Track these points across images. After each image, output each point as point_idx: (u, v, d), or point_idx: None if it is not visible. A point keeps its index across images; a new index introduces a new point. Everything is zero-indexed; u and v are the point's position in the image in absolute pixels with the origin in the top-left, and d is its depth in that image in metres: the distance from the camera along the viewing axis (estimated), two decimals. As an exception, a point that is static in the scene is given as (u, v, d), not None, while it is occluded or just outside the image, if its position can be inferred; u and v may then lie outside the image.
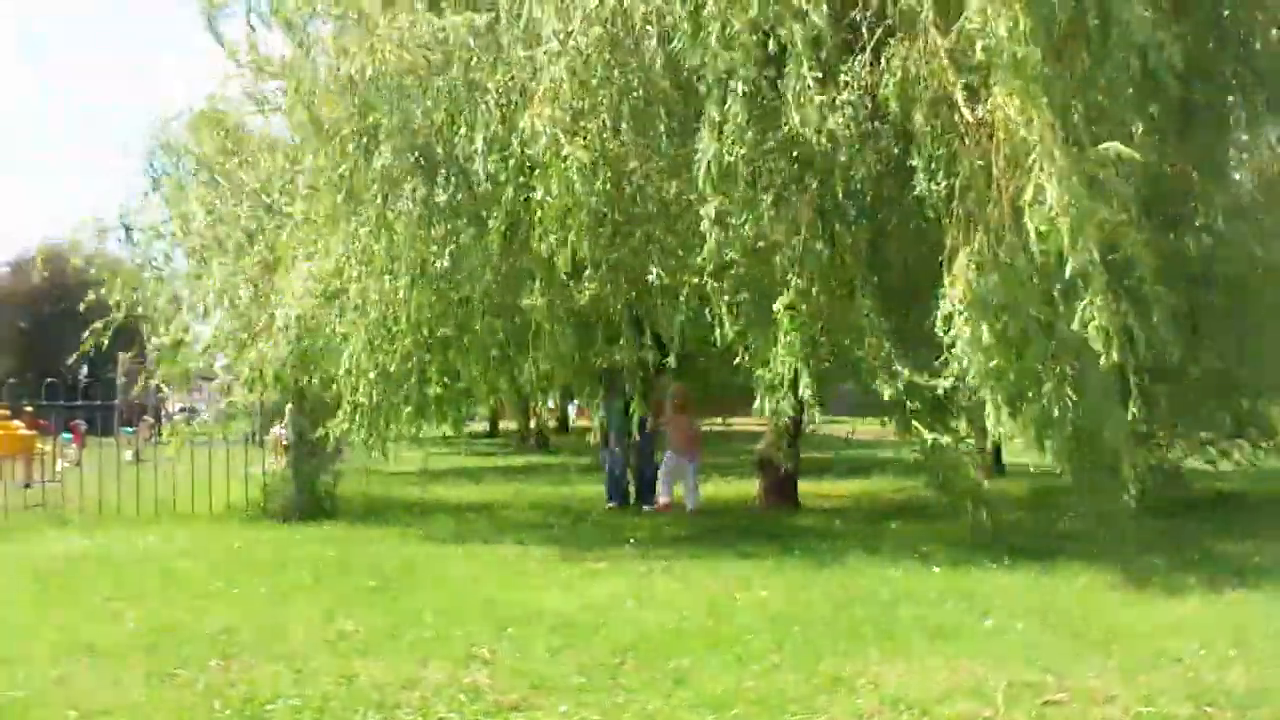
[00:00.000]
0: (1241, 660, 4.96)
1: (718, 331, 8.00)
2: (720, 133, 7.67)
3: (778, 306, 7.85)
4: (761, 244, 8.12)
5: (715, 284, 7.99)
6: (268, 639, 5.69)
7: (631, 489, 12.28)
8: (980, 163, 7.16)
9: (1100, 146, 6.69)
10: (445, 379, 9.47)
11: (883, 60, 7.61)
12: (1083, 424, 7.31)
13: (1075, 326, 6.57)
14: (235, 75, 12.29)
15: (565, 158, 7.69)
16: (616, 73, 8.17)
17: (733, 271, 8.12)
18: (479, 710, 4.40)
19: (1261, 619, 5.84)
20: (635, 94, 8.26)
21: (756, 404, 8.27)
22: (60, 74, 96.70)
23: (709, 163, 7.64)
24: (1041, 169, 6.48)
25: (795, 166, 8.11)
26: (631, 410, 10.33)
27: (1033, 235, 6.54)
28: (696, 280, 8.28)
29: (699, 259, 7.93)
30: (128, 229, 13.00)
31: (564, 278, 8.56)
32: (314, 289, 9.54)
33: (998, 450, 13.54)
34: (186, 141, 13.01)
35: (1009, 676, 4.72)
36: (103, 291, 12.67)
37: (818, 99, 7.47)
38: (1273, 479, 11.09)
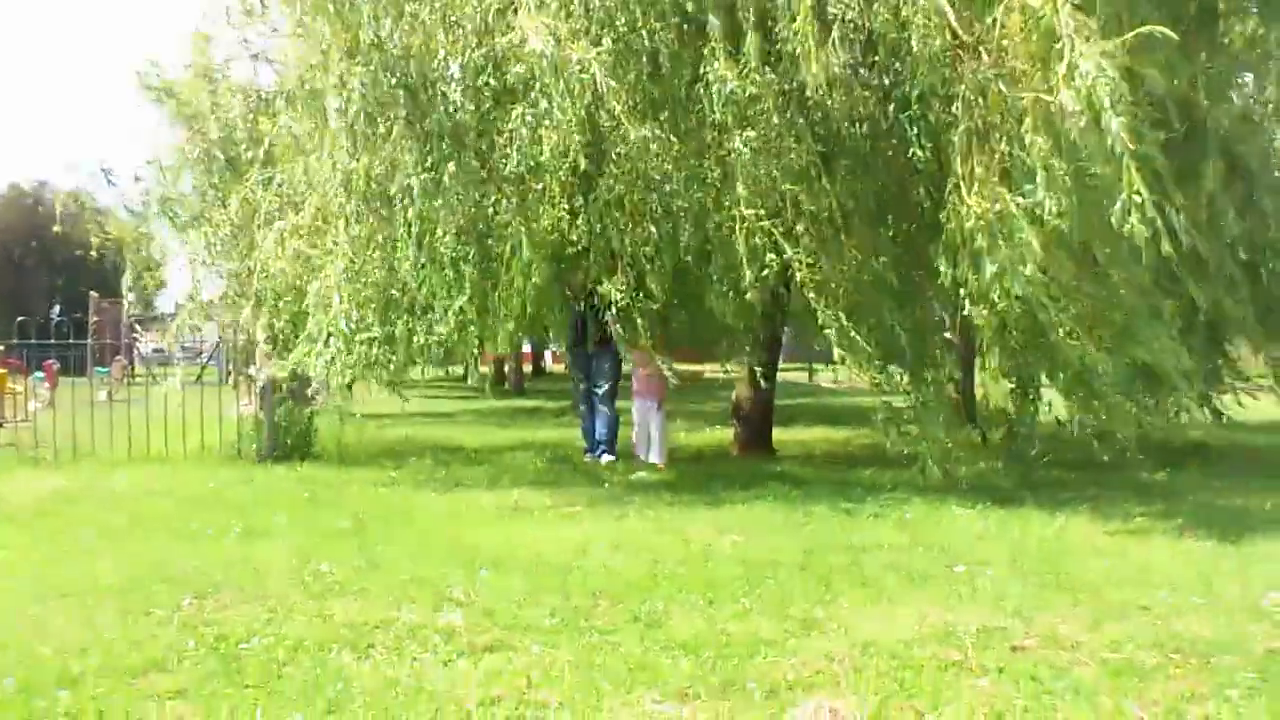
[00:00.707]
0: (1209, 609, 5.02)
1: (774, 258, 7.93)
2: (736, 63, 7.67)
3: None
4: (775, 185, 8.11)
5: (756, 214, 7.92)
6: (242, 579, 5.69)
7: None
8: (992, 73, 7.07)
9: (1135, 31, 6.59)
10: (421, 312, 9.26)
11: None
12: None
13: (1115, 221, 6.46)
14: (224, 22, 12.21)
15: (578, 63, 7.54)
16: (596, 2, 8.10)
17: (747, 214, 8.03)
18: (453, 651, 4.41)
19: (1231, 568, 5.91)
20: (619, 22, 8.16)
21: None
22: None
23: (729, 94, 7.61)
24: (1073, 48, 6.38)
25: (791, 108, 8.07)
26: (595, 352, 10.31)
27: (1072, 111, 6.37)
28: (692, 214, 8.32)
29: (740, 193, 7.91)
30: (106, 173, 12.92)
31: (542, 204, 8.48)
32: (293, 243, 9.44)
33: (971, 399, 13.61)
34: (173, 87, 12.85)
35: (978, 622, 4.77)
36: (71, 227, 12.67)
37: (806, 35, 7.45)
38: (1246, 429, 11.18)
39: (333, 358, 8.76)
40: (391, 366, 9.22)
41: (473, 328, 8.99)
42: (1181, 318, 8.41)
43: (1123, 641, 4.47)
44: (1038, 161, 6.66)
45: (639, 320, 8.93)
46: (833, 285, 8.20)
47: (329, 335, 8.69)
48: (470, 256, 8.66)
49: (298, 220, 9.42)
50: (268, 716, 3.69)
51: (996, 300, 7.14)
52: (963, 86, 7.21)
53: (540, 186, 8.40)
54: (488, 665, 4.23)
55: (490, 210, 8.57)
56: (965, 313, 7.92)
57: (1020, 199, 6.85)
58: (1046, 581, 5.62)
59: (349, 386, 9.70)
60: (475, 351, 9.52)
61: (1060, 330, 7.27)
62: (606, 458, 11.05)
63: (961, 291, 7.58)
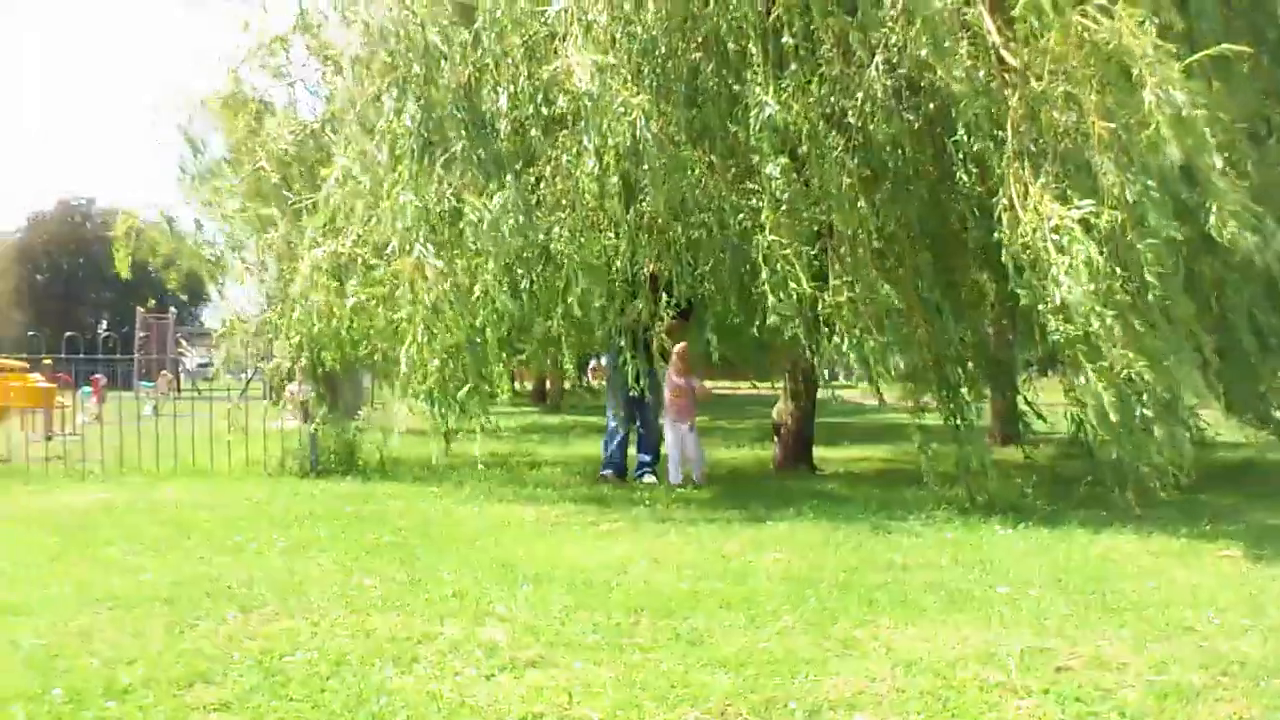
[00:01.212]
0: (1257, 630, 4.96)
1: (795, 287, 7.92)
2: (778, 89, 7.71)
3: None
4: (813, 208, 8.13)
5: (782, 241, 7.93)
6: (285, 592, 5.74)
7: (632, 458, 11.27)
8: (1039, 93, 7.04)
9: (1208, 51, 6.55)
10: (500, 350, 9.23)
11: (911, 11, 7.56)
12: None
13: (1214, 232, 6.39)
14: (258, 50, 12.35)
15: (622, 104, 7.59)
16: (639, 29, 8.14)
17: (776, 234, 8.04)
18: (495, 666, 4.43)
19: (1278, 588, 5.84)
20: (659, 51, 8.21)
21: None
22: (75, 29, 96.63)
23: (768, 118, 7.65)
24: (1153, 72, 6.34)
25: (830, 134, 8.08)
26: (633, 371, 10.25)
27: (1167, 135, 6.30)
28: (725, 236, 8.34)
29: (767, 218, 7.95)
30: (170, 221, 13.14)
31: (594, 229, 8.51)
32: (325, 271, 9.49)
33: (1013, 418, 13.53)
34: (213, 123, 12.99)
35: (1021, 643, 4.73)
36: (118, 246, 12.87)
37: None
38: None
39: (439, 416, 8.88)
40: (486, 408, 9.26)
41: (548, 352, 9.02)
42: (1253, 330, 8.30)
43: (1169, 663, 4.43)
44: (1135, 184, 6.62)
45: (667, 343, 8.95)
46: (860, 307, 8.20)
47: (430, 395, 8.75)
48: (536, 286, 8.69)
49: (337, 246, 9.46)
50: (312, 730, 3.72)
51: (1078, 314, 7.02)
52: (1010, 110, 7.18)
53: (585, 215, 8.44)
54: (530, 681, 4.25)
55: (541, 237, 8.59)
56: (1045, 329, 7.84)
57: (1078, 212, 6.78)
58: (1091, 602, 5.57)
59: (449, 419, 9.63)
60: (567, 368, 9.46)
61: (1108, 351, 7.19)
62: (649, 478, 10.85)
63: (1040, 308, 7.46)
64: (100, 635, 4.88)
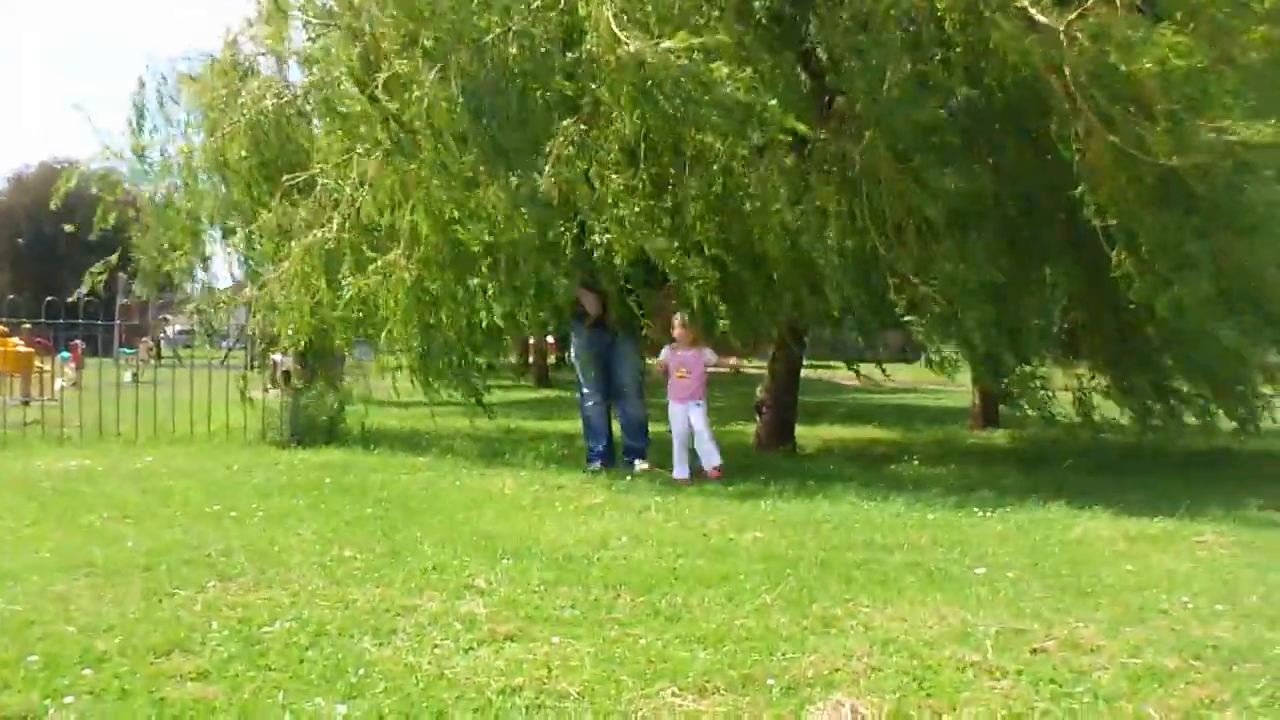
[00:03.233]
0: (1230, 615, 5.00)
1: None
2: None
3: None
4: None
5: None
6: (264, 562, 5.73)
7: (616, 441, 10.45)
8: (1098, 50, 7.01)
9: None
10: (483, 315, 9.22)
11: None
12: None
13: None
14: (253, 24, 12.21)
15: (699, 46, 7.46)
16: None
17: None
18: (474, 639, 4.44)
19: (1252, 574, 5.88)
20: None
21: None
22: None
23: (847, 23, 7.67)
24: None
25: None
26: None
27: None
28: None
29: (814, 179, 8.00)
30: (144, 167, 12.94)
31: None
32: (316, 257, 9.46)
33: (991, 402, 13.56)
34: (193, 86, 12.79)
35: (998, 624, 4.76)
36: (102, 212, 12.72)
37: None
38: (1275, 435, 11.10)
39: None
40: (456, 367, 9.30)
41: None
42: None
43: (1143, 646, 4.46)
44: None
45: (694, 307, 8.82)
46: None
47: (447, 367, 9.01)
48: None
49: (324, 233, 9.41)
50: (290, 700, 3.71)
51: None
52: (1066, 71, 7.09)
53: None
54: (508, 654, 4.25)
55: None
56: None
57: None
58: (1067, 585, 5.60)
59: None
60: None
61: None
62: (640, 465, 9.99)
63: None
64: (78, 602, 4.87)
